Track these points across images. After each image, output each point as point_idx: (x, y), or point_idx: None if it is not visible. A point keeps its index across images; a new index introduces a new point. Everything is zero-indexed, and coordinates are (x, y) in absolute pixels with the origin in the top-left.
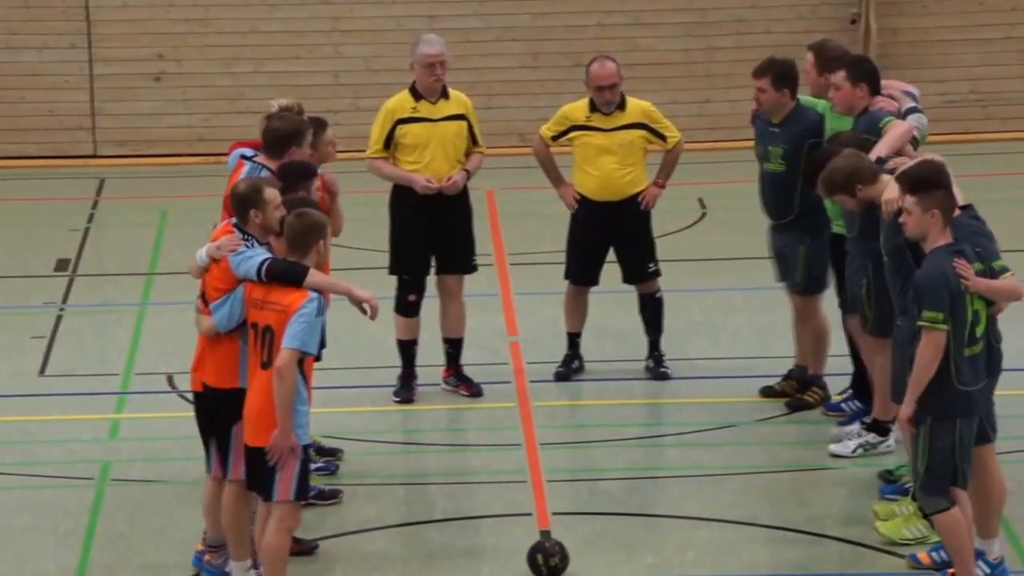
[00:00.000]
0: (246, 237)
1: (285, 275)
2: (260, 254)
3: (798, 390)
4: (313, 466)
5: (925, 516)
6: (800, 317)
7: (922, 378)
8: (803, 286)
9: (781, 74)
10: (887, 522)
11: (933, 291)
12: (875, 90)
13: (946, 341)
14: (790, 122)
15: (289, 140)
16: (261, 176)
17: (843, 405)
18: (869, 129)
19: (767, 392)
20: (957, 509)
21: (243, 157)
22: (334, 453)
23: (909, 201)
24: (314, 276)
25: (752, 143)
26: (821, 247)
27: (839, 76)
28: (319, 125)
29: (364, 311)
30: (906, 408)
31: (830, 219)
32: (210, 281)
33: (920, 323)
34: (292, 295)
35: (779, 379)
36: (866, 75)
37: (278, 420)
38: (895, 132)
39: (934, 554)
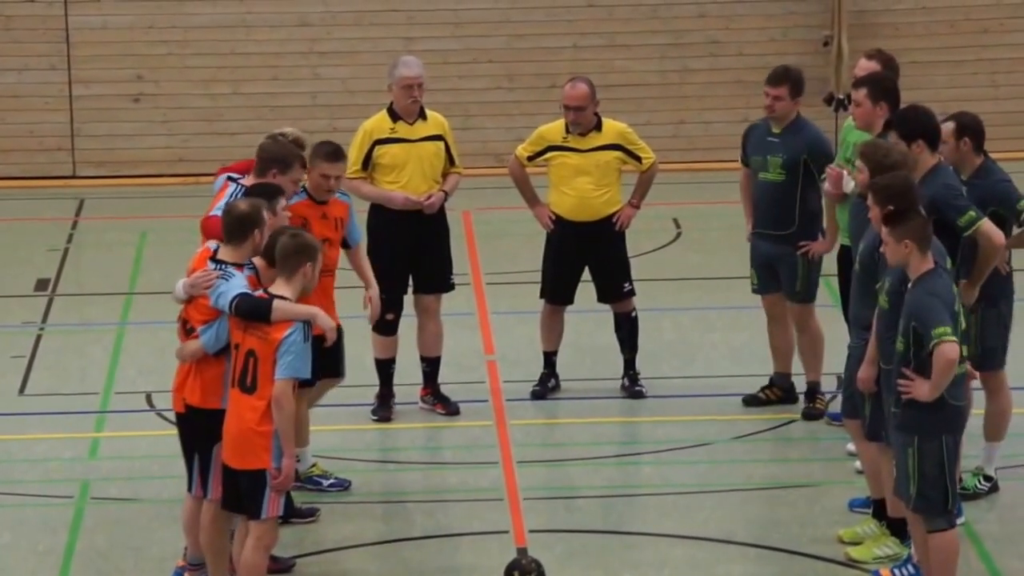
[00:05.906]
0: (220, 266)
1: (253, 312)
2: (233, 289)
3: (783, 397)
4: (326, 482)
5: (894, 533)
6: (799, 326)
7: (941, 385)
8: (803, 295)
9: (798, 83)
10: (857, 546)
11: (932, 310)
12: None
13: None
14: (791, 132)
15: (272, 163)
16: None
17: None
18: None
19: (751, 401)
20: (955, 533)
21: (230, 179)
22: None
23: (884, 231)
24: (279, 308)
25: (731, 162)
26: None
27: (860, 94)
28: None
29: (323, 337)
30: (924, 387)
31: (837, 229)
32: (192, 313)
33: (932, 342)
34: (275, 323)
35: (760, 388)
36: (885, 94)
37: (283, 447)
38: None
39: (896, 571)
